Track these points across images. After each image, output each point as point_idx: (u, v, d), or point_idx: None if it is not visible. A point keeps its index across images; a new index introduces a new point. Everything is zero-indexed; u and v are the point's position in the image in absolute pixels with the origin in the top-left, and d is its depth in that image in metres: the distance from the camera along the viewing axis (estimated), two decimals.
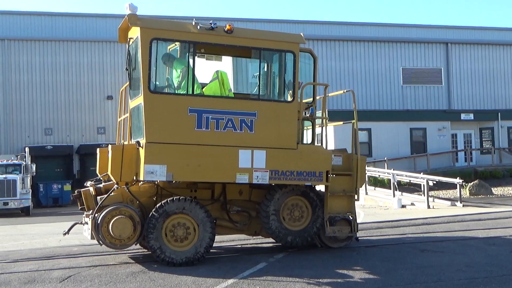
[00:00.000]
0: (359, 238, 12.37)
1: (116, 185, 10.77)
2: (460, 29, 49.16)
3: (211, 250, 10.53)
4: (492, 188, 26.99)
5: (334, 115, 29.25)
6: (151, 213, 10.18)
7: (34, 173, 29.58)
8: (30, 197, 27.92)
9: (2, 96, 37.40)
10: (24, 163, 28.82)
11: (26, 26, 40.91)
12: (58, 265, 10.51)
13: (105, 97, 38.39)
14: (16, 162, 29.31)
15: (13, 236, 16.38)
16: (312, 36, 42.08)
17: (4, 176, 27.17)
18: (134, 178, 10.52)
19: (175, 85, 10.85)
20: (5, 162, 29.33)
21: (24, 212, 27.22)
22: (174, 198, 10.30)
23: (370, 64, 41.35)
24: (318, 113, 11.64)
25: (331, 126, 27.45)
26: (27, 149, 30.14)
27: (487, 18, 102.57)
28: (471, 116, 35.74)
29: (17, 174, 27.82)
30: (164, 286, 8.70)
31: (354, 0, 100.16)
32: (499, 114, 36.41)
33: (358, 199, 11.50)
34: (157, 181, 10.61)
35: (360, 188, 11.54)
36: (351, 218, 11.41)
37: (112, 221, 10.07)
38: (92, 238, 10.43)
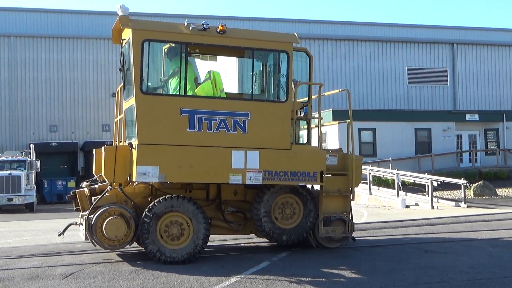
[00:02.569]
0: (356, 238, 12.31)
1: (109, 186, 10.74)
2: (466, 29, 49.06)
3: (214, 249, 10.49)
4: (496, 189, 26.92)
5: (340, 115, 29.38)
6: (141, 219, 10.12)
7: (39, 170, 29.68)
8: (35, 193, 28.03)
9: (7, 93, 37.54)
10: (28, 159, 28.92)
11: (32, 23, 41.01)
12: (62, 262, 10.53)
13: (110, 95, 38.43)
14: (21, 158, 29.42)
15: (17, 232, 16.44)
16: (317, 35, 42.13)
17: (8, 172, 27.29)
18: (128, 179, 10.49)
19: (168, 86, 10.81)
20: (10, 158, 29.45)
21: (28, 208, 27.34)
22: (161, 198, 10.23)
23: (375, 64, 41.32)
24: (317, 114, 11.58)
25: (335, 125, 27.49)
26: (32, 146, 30.24)
27: (493, 19, 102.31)
28: (476, 117, 35.65)
29: (22, 170, 27.92)
30: (167, 284, 8.70)
31: (361, 0, 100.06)
32: (504, 115, 36.31)
33: (353, 199, 11.40)
34: (151, 182, 10.57)
35: (356, 188, 11.40)
36: (347, 218, 11.35)
37: (104, 224, 10.06)
38: (86, 239, 10.44)
